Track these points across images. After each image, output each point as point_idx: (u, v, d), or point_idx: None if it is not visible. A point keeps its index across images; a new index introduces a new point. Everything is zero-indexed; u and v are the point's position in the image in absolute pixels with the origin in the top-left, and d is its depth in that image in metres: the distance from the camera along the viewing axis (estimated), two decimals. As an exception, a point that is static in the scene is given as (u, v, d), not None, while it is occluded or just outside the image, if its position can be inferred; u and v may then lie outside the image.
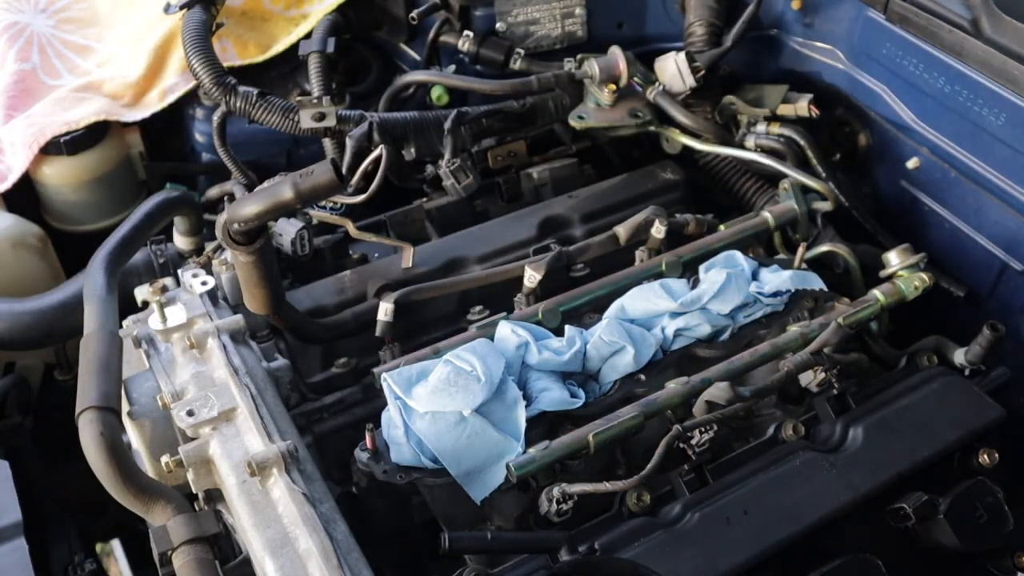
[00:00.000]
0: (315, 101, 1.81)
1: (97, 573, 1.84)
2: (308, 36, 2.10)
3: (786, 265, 1.76)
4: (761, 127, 2.09)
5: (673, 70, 2.02)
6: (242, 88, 1.82)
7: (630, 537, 1.32)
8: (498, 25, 2.15)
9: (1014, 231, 1.81)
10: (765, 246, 1.90)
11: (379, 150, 1.53)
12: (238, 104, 1.82)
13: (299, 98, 1.93)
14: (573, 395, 1.52)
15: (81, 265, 1.77)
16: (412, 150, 1.91)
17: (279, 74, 2.33)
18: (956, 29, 1.81)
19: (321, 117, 1.81)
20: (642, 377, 1.58)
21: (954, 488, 1.44)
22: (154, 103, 2.16)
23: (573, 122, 2.01)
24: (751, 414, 1.57)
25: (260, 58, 2.18)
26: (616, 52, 2.01)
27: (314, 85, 2.01)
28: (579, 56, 2.06)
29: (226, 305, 1.61)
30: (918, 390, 1.58)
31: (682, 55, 2.02)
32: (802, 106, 2.11)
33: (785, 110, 2.13)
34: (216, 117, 1.89)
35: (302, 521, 1.18)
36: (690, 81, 2.00)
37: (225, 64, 1.89)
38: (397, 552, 1.45)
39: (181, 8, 1.87)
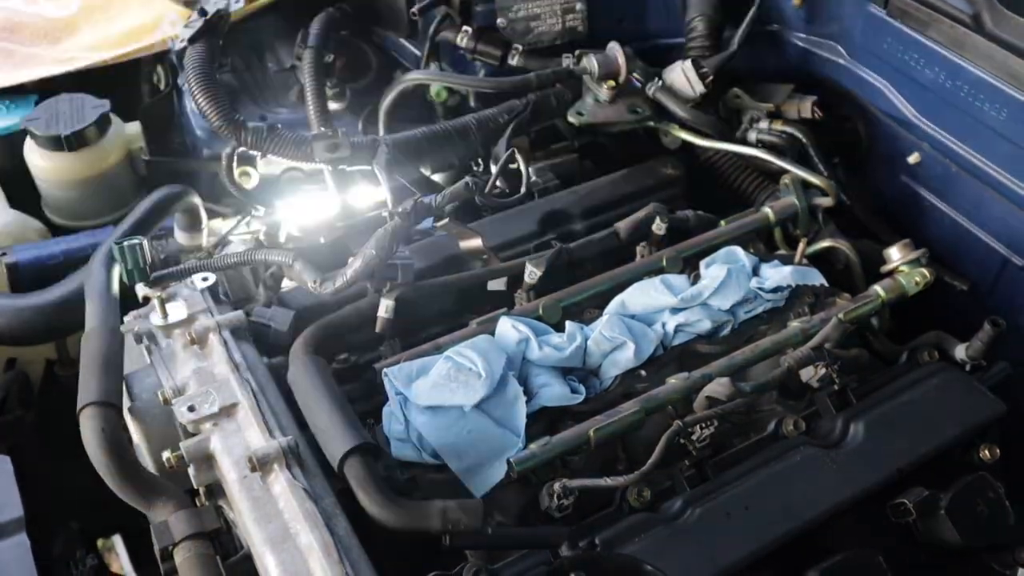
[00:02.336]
0: (329, 134, 1.81)
1: (99, 568, 1.84)
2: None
3: (787, 261, 1.76)
4: (764, 123, 2.09)
5: (681, 79, 2.02)
6: (252, 124, 1.82)
7: (631, 532, 1.32)
8: (499, 20, 2.15)
9: (1015, 226, 1.81)
10: (766, 242, 1.89)
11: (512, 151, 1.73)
12: (250, 140, 1.81)
13: (314, 134, 1.93)
14: (574, 391, 1.52)
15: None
16: (428, 167, 1.91)
17: (279, 70, 2.34)
18: (957, 24, 1.81)
19: (335, 148, 1.81)
20: (643, 373, 1.58)
21: (955, 483, 1.45)
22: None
23: (572, 118, 2.01)
24: (752, 410, 1.57)
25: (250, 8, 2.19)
26: (615, 48, 2.00)
27: (308, 82, 2.01)
28: (578, 52, 2.06)
29: (227, 301, 1.61)
30: (919, 385, 1.58)
31: (688, 63, 2.02)
32: (805, 106, 2.11)
33: (789, 108, 2.13)
34: (226, 155, 1.89)
35: (303, 516, 1.19)
36: (699, 88, 2.00)
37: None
38: (397, 548, 1.45)
39: (188, 43, 1.87)
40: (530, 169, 2.01)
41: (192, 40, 1.86)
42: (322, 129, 1.89)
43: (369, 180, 2.00)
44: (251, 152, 2.02)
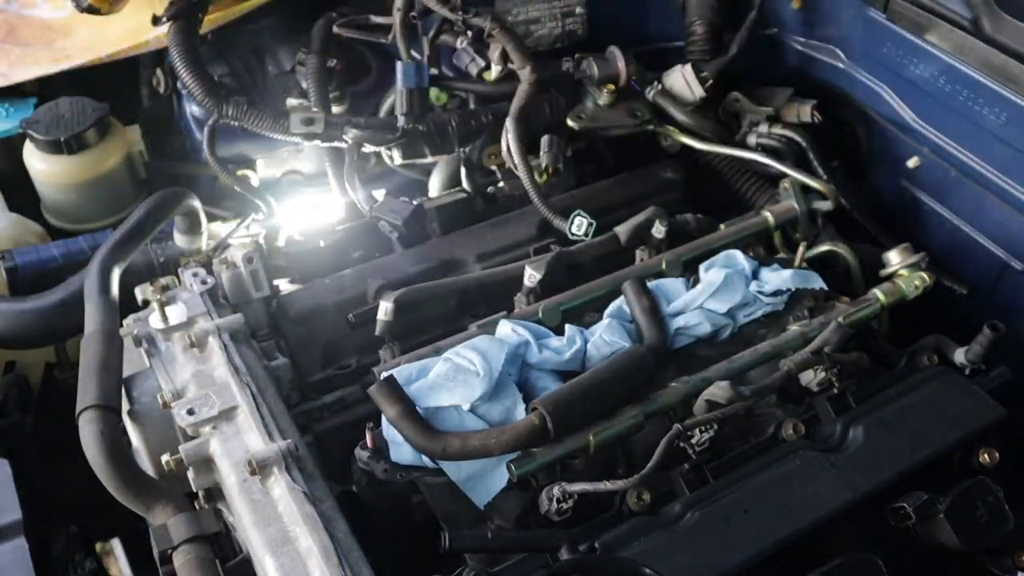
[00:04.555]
0: (306, 105, 1.83)
1: (97, 572, 1.84)
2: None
3: (786, 264, 1.76)
4: (763, 127, 2.09)
5: (681, 83, 2.02)
6: (233, 97, 1.84)
7: (630, 536, 1.32)
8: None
9: (1014, 230, 1.81)
10: (765, 245, 1.89)
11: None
12: (230, 112, 1.83)
13: (289, 102, 1.94)
14: (573, 394, 1.52)
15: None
16: (399, 153, 1.92)
17: (279, 73, 2.34)
18: (956, 28, 1.81)
19: (310, 122, 1.85)
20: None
21: (955, 487, 1.44)
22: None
23: (572, 122, 2.01)
24: (751, 413, 1.57)
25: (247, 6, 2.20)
26: (615, 52, 2.01)
27: (311, 87, 2.01)
28: (577, 56, 2.06)
29: (226, 304, 1.61)
30: (918, 389, 1.58)
31: (688, 67, 2.02)
32: (805, 111, 2.12)
33: (788, 112, 2.14)
34: (208, 126, 1.90)
35: (302, 520, 1.18)
36: (699, 92, 2.01)
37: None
38: (397, 551, 1.45)
39: (168, 19, 1.88)
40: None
41: (173, 17, 1.87)
42: (300, 102, 1.91)
43: (369, 184, 2.00)
44: (250, 156, 2.03)
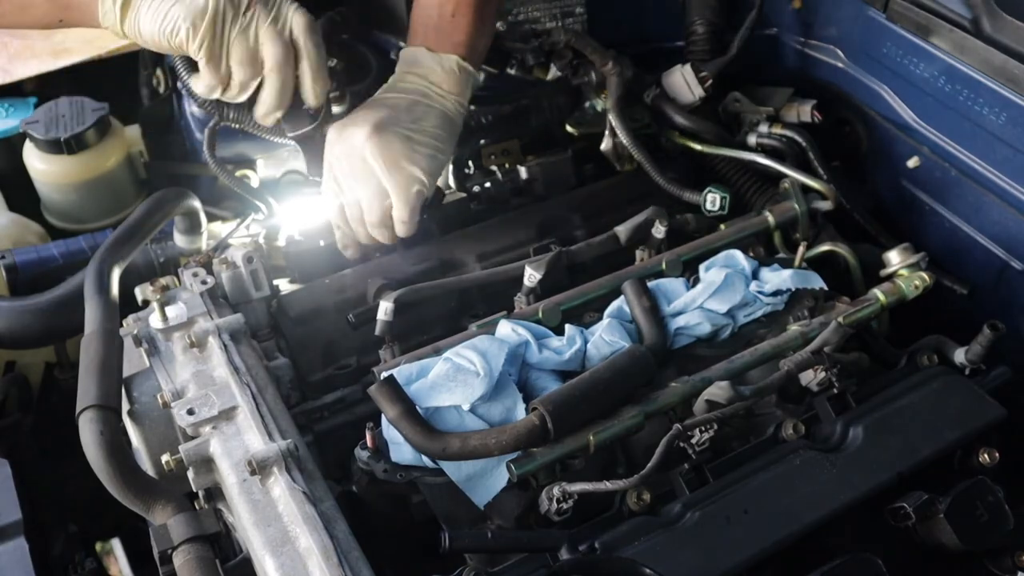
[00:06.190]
0: (302, 108, 1.83)
1: (97, 572, 1.84)
2: None
3: (786, 264, 1.76)
4: (764, 127, 2.09)
5: (681, 83, 2.02)
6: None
7: (630, 536, 1.32)
8: (498, 24, 2.15)
9: (1014, 230, 1.81)
10: (765, 245, 1.89)
11: None
12: (230, 115, 1.83)
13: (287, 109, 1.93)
14: (573, 394, 1.52)
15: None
16: None
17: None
18: (956, 28, 1.81)
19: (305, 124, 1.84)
20: (641, 376, 1.58)
21: (955, 487, 1.44)
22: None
23: (571, 128, 2.02)
24: (751, 413, 1.57)
25: None
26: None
27: None
28: (576, 61, 2.06)
29: (226, 304, 1.61)
30: (918, 389, 1.58)
31: (688, 67, 2.02)
32: (805, 111, 2.12)
33: (788, 112, 2.14)
34: (207, 128, 1.90)
35: (302, 520, 1.18)
36: (699, 92, 2.01)
37: None
38: (397, 551, 1.45)
39: None
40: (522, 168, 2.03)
41: None
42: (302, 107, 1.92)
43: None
44: (250, 156, 2.03)
